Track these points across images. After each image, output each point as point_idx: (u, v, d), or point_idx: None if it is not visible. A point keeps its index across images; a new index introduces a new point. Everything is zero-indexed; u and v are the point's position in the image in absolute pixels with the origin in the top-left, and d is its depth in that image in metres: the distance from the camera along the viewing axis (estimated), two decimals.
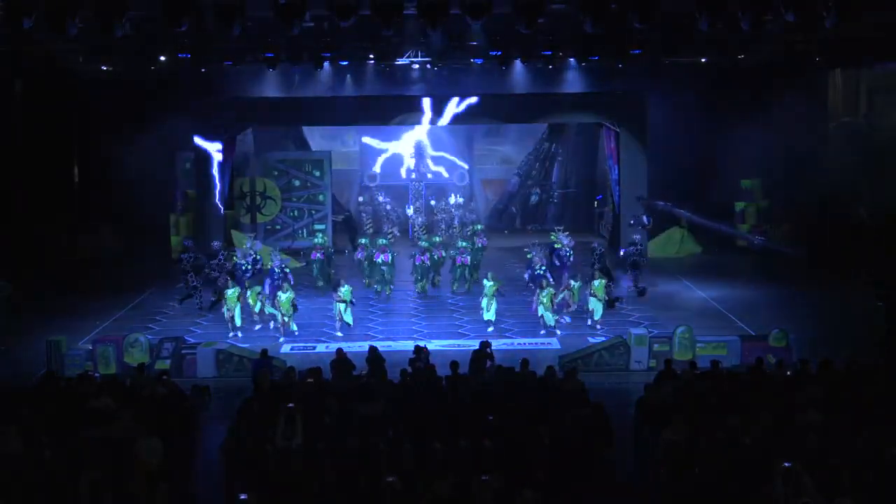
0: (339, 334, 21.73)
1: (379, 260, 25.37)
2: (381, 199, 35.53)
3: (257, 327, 22.40)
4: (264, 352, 17.75)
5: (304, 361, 18.94)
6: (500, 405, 13.74)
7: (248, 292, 22.54)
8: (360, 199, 35.81)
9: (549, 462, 12.14)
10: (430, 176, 36.10)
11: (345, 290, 21.76)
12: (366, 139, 36.93)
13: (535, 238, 28.20)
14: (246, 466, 12.46)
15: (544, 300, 21.78)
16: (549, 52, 25.50)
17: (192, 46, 24.01)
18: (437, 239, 27.95)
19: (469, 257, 25.85)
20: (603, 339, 20.70)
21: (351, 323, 21.84)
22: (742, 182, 31.91)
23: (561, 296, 22.81)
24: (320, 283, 26.30)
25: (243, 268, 24.14)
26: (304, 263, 26.76)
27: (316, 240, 27.84)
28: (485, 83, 29.23)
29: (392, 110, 30.91)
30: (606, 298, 22.60)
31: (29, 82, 28.64)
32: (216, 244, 26.64)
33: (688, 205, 29.95)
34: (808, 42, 24.71)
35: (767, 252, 28.88)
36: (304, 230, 32.16)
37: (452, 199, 34.61)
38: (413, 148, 36.02)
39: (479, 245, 27.00)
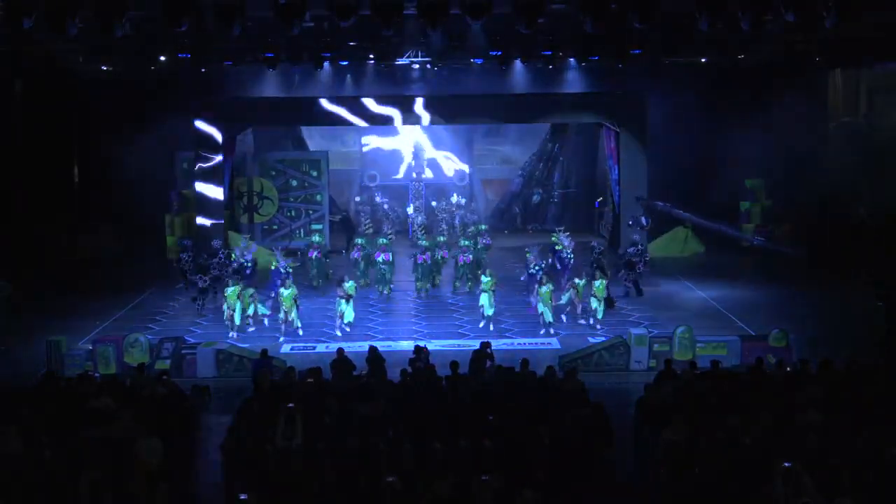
0: (339, 333, 21.73)
1: (380, 259, 25.37)
2: (378, 199, 35.52)
3: (251, 329, 22.34)
4: (264, 352, 17.76)
5: (304, 361, 18.93)
6: (500, 405, 13.74)
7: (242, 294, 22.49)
8: (357, 199, 35.81)
9: (549, 462, 12.13)
10: (430, 175, 36.04)
11: (349, 285, 21.85)
12: (365, 139, 36.91)
13: (536, 238, 28.18)
14: (246, 466, 12.46)
15: (544, 297, 21.78)
16: (549, 52, 25.51)
17: (192, 46, 24.01)
18: (442, 238, 27.93)
19: (471, 256, 25.85)
20: (603, 339, 20.70)
21: (352, 320, 21.84)
22: (746, 182, 31.88)
23: (567, 296, 22.78)
24: (319, 283, 26.28)
25: (244, 266, 24.16)
26: (299, 263, 26.75)
27: (313, 238, 27.85)
28: (485, 83, 29.24)
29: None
30: (606, 297, 22.61)
31: (29, 82, 28.65)
32: (216, 243, 26.66)
33: (688, 205, 29.95)
34: (808, 42, 24.72)
35: (767, 252, 28.89)
36: (302, 230, 32.19)
37: (454, 199, 34.60)
38: (413, 147, 36.01)
39: (483, 245, 27.00)
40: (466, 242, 26.47)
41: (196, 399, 16.62)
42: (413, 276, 25.86)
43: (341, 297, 21.74)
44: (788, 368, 16.23)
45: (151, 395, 14.76)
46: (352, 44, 24.66)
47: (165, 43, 23.90)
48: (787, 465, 11.01)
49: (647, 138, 30.33)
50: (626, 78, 28.62)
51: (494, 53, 25.42)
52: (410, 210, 34.36)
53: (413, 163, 35.78)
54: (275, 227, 32.35)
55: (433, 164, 36.43)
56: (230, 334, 21.49)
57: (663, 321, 22.43)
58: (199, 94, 29.04)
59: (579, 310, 22.59)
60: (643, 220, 28.53)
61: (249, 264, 24.81)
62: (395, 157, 36.80)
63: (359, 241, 27.57)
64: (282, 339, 21.44)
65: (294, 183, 32.46)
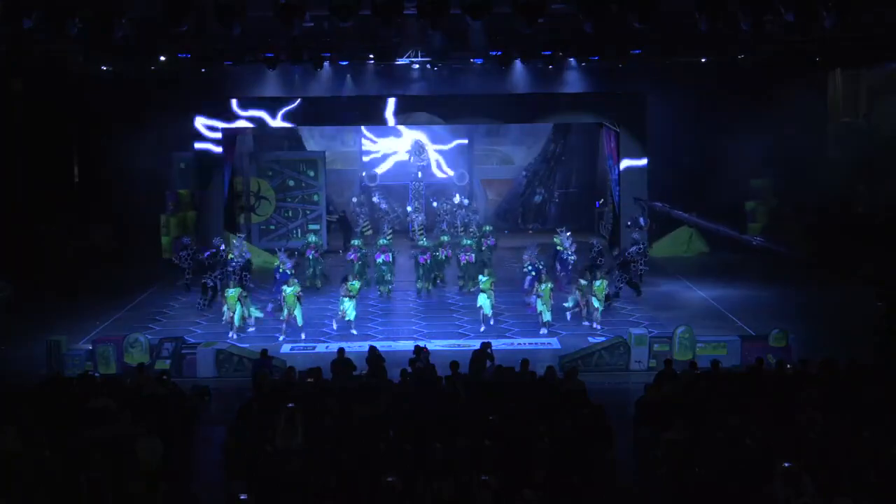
0: (335, 326, 21.79)
1: (380, 260, 25.35)
2: (375, 199, 35.46)
3: (251, 329, 22.32)
4: (264, 352, 17.77)
5: (304, 361, 18.93)
6: (500, 405, 13.74)
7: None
8: (355, 199, 35.78)
9: (549, 462, 12.13)
10: (433, 173, 36.04)
11: (353, 284, 21.91)
12: (365, 139, 36.90)
13: (536, 238, 28.14)
14: (246, 466, 12.46)
15: (543, 295, 21.78)
16: (549, 52, 25.54)
17: (192, 46, 24.01)
18: (445, 238, 27.85)
19: (473, 255, 25.81)
20: (603, 339, 20.69)
21: (353, 319, 21.85)
22: (752, 181, 31.84)
23: (573, 299, 22.76)
24: (319, 284, 26.26)
25: (249, 263, 24.26)
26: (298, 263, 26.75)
27: (310, 238, 27.83)
28: (485, 83, 29.25)
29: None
30: (607, 294, 22.64)
31: (29, 82, 28.63)
32: (217, 240, 26.67)
33: (688, 205, 29.93)
34: (808, 42, 24.71)
35: (767, 252, 28.88)
36: (299, 230, 32.20)
37: (457, 199, 34.58)
38: (412, 147, 35.98)
39: (487, 246, 26.93)
40: (469, 242, 26.44)
41: (196, 399, 16.63)
42: (414, 277, 25.85)
43: (344, 296, 21.77)
44: (788, 367, 16.24)
45: (151, 395, 14.77)
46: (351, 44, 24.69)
47: (165, 43, 23.90)
48: (787, 465, 11.01)
49: (647, 138, 30.34)
50: (626, 78, 28.64)
51: (494, 53, 25.44)
52: (410, 209, 34.33)
53: (412, 164, 35.77)
54: (272, 227, 32.35)
55: (433, 164, 36.40)
56: (230, 335, 21.49)
57: (663, 321, 22.42)
58: (199, 94, 29.04)
59: (584, 313, 22.53)
60: (641, 220, 28.51)
61: (244, 263, 24.81)
62: (395, 157, 36.79)
63: (355, 242, 27.35)
64: (282, 338, 21.45)
65: (291, 183, 32.47)
